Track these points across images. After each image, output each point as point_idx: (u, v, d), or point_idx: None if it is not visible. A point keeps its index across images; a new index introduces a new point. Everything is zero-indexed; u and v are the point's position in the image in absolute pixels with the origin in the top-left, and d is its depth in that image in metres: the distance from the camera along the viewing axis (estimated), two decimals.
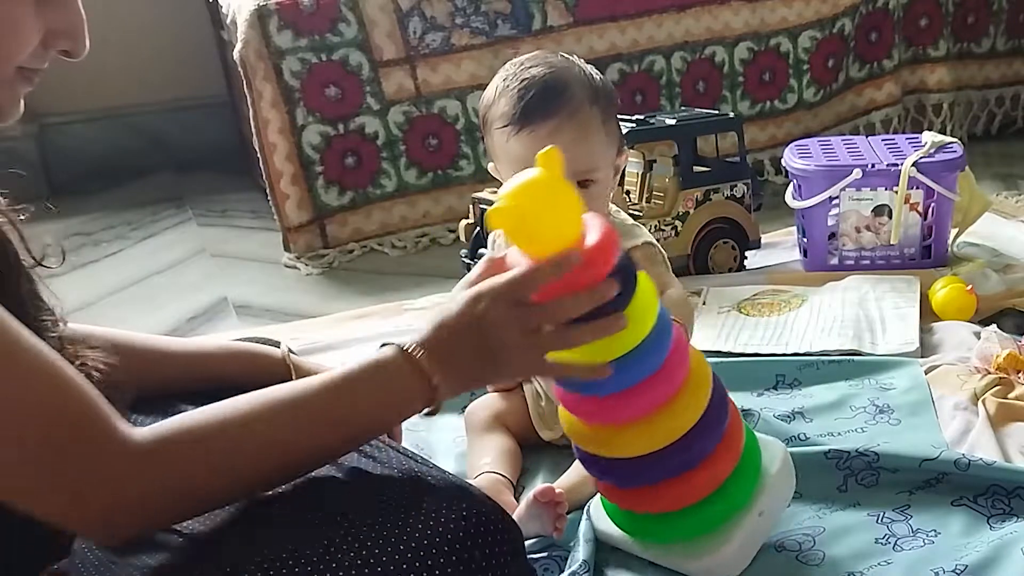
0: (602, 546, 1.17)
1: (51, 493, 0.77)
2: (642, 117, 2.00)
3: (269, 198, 2.35)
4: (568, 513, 1.20)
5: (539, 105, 1.30)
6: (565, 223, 0.95)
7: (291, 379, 1.12)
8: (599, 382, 0.99)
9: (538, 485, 1.22)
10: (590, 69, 1.37)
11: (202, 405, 1.04)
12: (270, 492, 0.89)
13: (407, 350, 0.91)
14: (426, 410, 0.93)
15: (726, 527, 1.10)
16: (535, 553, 1.17)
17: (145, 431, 0.80)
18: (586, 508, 1.21)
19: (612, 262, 0.95)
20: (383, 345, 0.93)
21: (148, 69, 3.03)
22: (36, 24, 0.80)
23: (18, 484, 0.77)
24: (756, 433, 1.16)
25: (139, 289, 2.26)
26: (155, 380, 1.06)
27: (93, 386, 0.79)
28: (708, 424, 1.05)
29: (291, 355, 1.17)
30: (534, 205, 0.93)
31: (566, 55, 1.39)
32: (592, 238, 0.95)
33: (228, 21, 2.40)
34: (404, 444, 1.13)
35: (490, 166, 1.43)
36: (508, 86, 1.33)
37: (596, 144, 1.33)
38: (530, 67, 1.33)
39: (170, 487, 0.80)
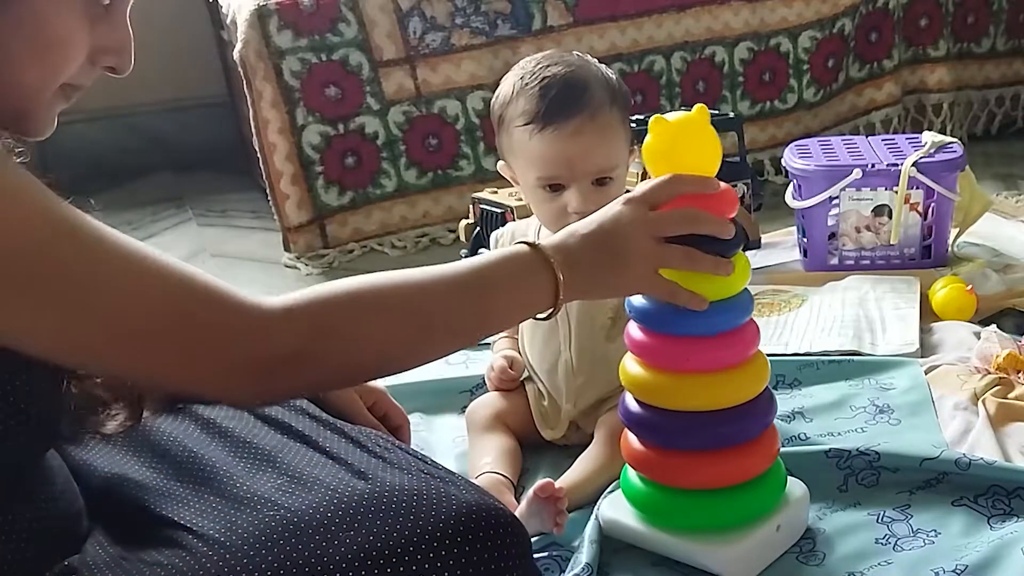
0: (606, 548, 1.18)
1: (196, 363, 0.81)
2: (642, 117, 1.99)
3: (269, 198, 2.35)
4: (569, 512, 1.20)
5: (562, 103, 1.31)
6: (704, 163, 1.06)
7: None
8: (684, 321, 1.06)
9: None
10: (605, 68, 1.38)
11: (219, 405, 1.05)
12: (279, 491, 0.89)
13: (537, 246, 0.96)
14: (547, 312, 0.98)
15: (743, 528, 1.12)
16: (536, 552, 1.16)
17: (280, 299, 0.84)
18: (595, 508, 1.21)
19: (735, 211, 1.06)
20: (518, 243, 0.98)
21: (148, 69, 2.98)
22: (87, 40, 0.82)
23: (162, 361, 0.80)
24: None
25: None
26: None
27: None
28: (760, 408, 1.12)
29: None
30: (686, 136, 1.05)
31: (580, 54, 1.40)
32: (722, 186, 1.06)
33: (228, 21, 2.40)
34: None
35: (499, 164, 1.42)
36: (527, 84, 1.33)
37: (615, 143, 1.34)
38: (548, 65, 1.34)
39: (309, 350, 0.83)
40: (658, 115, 1.06)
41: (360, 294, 0.87)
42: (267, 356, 0.82)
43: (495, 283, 0.95)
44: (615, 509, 1.18)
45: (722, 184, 1.06)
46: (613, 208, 1.01)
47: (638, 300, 1.10)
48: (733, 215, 1.06)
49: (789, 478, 1.18)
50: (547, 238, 1.00)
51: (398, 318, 0.88)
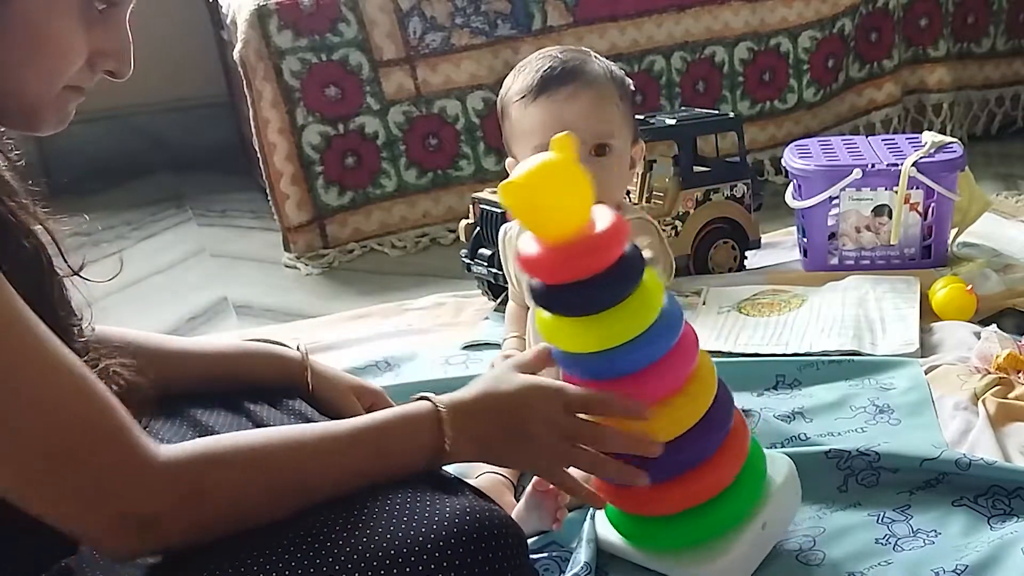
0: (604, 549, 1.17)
1: (66, 499, 0.77)
2: (642, 117, 1.99)
3: (269, 198, 2.35)
4: (568, 512, 1.19)
5: (558, 75, 1.33)
6: (574, 206, 0.96)
7: (307, 380, 1.14)
8: (600, 365, 1.01)
9: None
10: (607, 61, 1.42)
11: (215, 407, 1.04)
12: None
13: (438, 408, 0.94)
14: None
15: (728, 536, 1.09)
16: (534, 553, 1.16)
17: (168, 449, 0.81)
18: (590, 510, 1.21)
19: (619, 251, 0.97)
20: (420, 397, 0.96)
21: (148, 69, 2.98)
22: (83, 44, 0.83)
23: (34, 487, 0.77)
24: (764, 449, 1.15)
25: (139, 289, 2.25)
26: (174, 381, 1.06)
27: (116, 398, 0.79)
28: (710, 426, 1.06)
29: (308, 357, 1.17)
30: (545, 184, 0.94)
31: (584, 49, 1.44)
32: (602, 225, 0.96)
33: (228, 21, 2.40)
34: None
35: (508, 162, 1.43)
36: (525, 68, 1.38)
37: (612, 112, 1.36)
38: (549, 53, 1.39)
39: (186, 507, 0.80)
40: (507, 180, 0.95)
41: (244, 455, 0.84)
42: (142, 511, 0.78)
43: (382, 449, 0.91)
44: (606, 526, 1.16)
45: (597, 228, 0.95)
46: (529, 399, 0.98)
47: (556, 349, 1.04)
48: (618, 255, 0.96)
49: (771, 458, 1.14)
50: (452, 396, 0.96)
51: (278, 480, 0.86)
